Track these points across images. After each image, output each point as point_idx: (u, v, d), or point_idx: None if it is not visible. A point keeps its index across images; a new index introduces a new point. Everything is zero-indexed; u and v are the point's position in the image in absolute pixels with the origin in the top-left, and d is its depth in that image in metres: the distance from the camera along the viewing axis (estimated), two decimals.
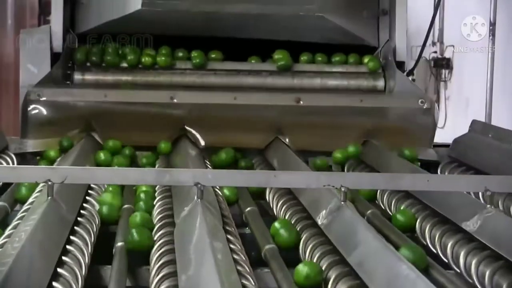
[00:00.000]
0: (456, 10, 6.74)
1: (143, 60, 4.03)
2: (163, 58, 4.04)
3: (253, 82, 4.11)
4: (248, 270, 2.01)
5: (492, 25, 4.91)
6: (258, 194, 3.01)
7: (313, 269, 2.11)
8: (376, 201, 3.01)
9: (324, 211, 2.43)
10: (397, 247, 2.23)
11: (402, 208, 2.75)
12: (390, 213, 2.83)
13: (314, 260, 2.20)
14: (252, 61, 4.17)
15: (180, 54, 4.12)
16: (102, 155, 3.40)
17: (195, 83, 4.06)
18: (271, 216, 2.80)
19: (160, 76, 4.07)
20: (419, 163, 3.53)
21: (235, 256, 2.06)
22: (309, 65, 4.19)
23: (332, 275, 2.06)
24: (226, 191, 2.86)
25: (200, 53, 4.09)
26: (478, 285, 2.10)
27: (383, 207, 2.92)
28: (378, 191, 3.00)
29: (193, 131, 3.70)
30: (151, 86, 4.02)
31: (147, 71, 4.06)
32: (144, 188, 2.86)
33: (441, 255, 2.37)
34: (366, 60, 4.20)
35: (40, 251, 1.98)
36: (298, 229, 2.47)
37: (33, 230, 2.02)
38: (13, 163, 3.35)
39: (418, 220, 2.62)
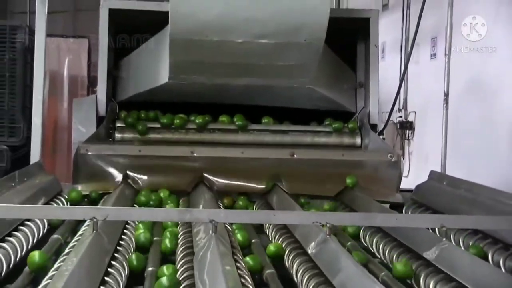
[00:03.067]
0: (417, 83, 6.79)
1: (175, 121, 4.09)
2: (198, 119, 4.12)
3: (256, 139, 4.14)
4: None
5: (446, 95, 4.92)
6: (260, 229, 3.01)
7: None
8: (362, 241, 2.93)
9: (313, 243, 2.42)
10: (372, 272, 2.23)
11: (378, 242, 2.75)
12: (371, 249, 2.79)
13: (304, 282, 2.20)
14: (265, 120, 4.21)
15: (201, 119, 4.14)
16: (142, 198, 3.44)
17: (210, 140, 4.09)
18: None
19: (183, 135, 4.09)
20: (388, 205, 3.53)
21: (242, 280, 2.06)
22: (302, 126, 4.22)
23: None
24: (239, 237, 2.72)
25: (228, 117, 4.17)
26: None
27: (364, 244, 2.89)
28: (361, 230, 2.96)
29: (210, 178, 3.71)
30: (175, 142, 4.05)
31: (172, 130, 4.09)
32: (170, 224, 2.87)
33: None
34: (347, 124, 4.23)
35: (86, 275, 1.99)
36: (291, 256, 2.46)
37: (81, 258, 2.03)
38: (66, 204, 3.35)
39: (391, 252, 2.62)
